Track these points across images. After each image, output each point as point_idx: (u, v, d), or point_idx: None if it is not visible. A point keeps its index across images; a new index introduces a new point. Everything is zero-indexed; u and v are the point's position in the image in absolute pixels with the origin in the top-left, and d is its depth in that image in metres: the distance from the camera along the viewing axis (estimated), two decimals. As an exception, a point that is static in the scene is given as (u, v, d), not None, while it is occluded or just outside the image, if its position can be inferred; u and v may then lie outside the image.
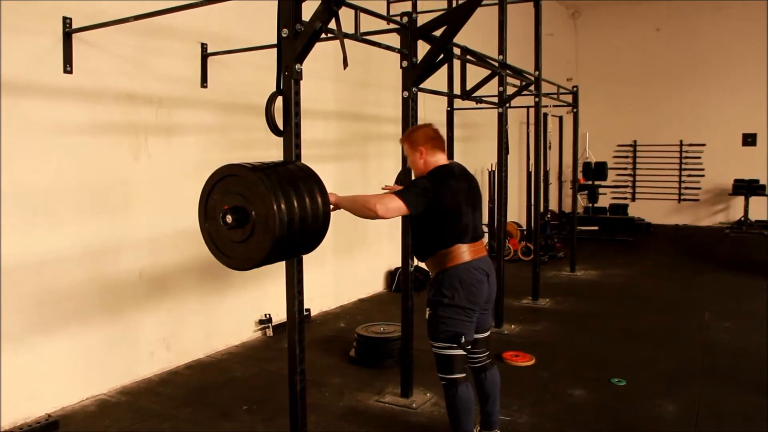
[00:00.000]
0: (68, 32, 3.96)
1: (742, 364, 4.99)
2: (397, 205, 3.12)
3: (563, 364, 5.00)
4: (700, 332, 5.88)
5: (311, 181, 2.79)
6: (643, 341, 5.60)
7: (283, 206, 2.58)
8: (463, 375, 3.30)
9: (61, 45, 3.96)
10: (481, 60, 5.33)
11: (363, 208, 3.12)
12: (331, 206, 3.07)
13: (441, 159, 3.41)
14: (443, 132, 7.04)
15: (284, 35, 2.93)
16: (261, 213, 2.59)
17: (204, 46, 4.97)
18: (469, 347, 3.34)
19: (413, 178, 3.48)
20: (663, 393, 4.35)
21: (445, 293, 3.24)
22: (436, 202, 3.21)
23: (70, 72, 4.01)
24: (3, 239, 3.72)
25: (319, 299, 6.56)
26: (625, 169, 14.83)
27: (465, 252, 3.25)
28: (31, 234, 3.89)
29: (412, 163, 3.45)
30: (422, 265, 3.55)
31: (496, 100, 5.94)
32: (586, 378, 4.65)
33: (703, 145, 13.96)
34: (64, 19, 3.95)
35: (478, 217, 3.39)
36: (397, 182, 4.26)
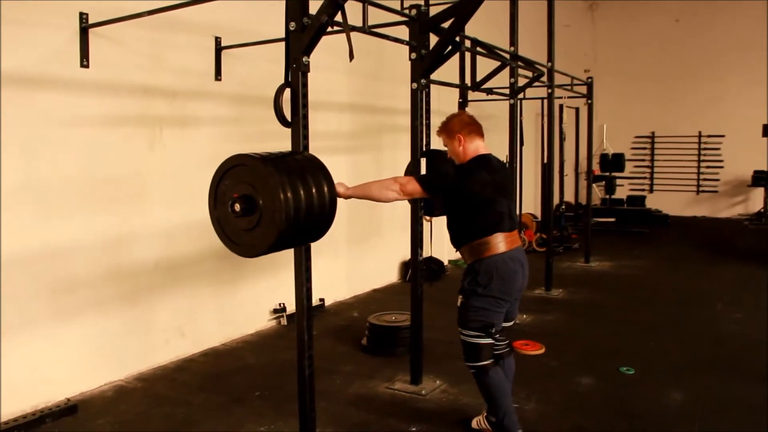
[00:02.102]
0: (84, 27, 4.06)
1: (751, 355, 5.00)
2: (414, 186, 3.24)
3: (573, 354, 5.04)
4: (710, 323, 5.89)
5: (318, 171, 2.86)
6: (653, 332, 5.62)
7: (290, 197, 2.65)
8: (491, 361, 3.35)
9: (77, 40, 4.06)
10: (491, 51, 5.36)
11: (380, 191, 3.25)
12: (342, 197, 3.15)
13: (480, 147, 3.47)
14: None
15: (292, 28, 3.00)
16: (268, 205, 2.66)
17: (218, 40, 5.05)
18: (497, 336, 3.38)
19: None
20: (670, 382, 4.39)
21: (480, 282, 3.27)
22: (462, 190, 3.27)
23: (87, 66, 4.11)
24: (22, 229, 3.84)
25: (333, 289, 6.64)
26: (643, 160, 14.76)
27: (501, 242, 3.27)
28: (49, 224, 4.00)
29: (453, 152, 3.50)
30: (455, 255, 3.55)
31: (507, 91, 5.97)
32: (595, 367, 4.69)
33: (722, 136, 13.86)
34: (81, 14, 4.04)
35: (513, 207, 3.42)
36: (407, 173, 4.31)
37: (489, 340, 3.32)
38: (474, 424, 3.67)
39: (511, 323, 3.56)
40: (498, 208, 3.30)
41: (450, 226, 3.46)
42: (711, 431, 3.70)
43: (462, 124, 3.47)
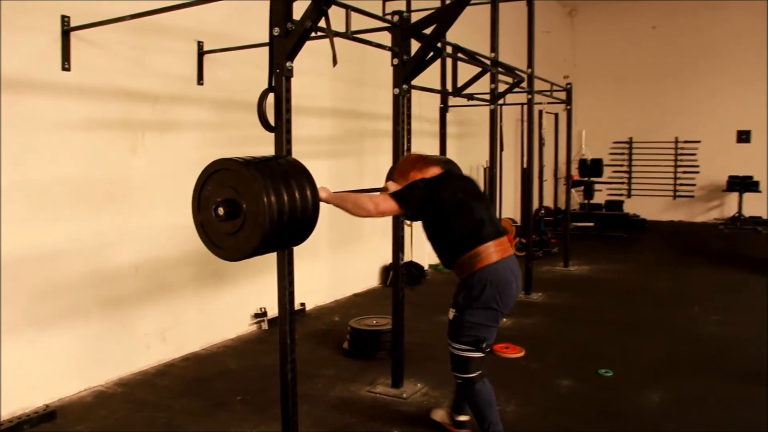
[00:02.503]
0: (66, 30, 4.05)
1: (727, 355, 5.09)
2: (389, 204, 3.17)
3: (552, 356, 5.10)
4: (688, 325, 5.98)
5: (301, 175, 2.88)
6: (632, 334, 5.70)
7: (273, 201, 2.66)
8: (479, 373, 3.32)
9: (59, 43, 4.04)
10: (472, 57, 5.42)
11: (355, 207, 3.17)
12: (323, 201, 3.16)
13: (436, 171, 3.44)
14: (435, 129, 7.14)
15: (276, 34, 3.02)
16: (252, 208, 2.67)
17: (200, 44, 5.05)
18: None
19: None
20: (649, 383, 4.45)
21: (474, 296, 3.20)
22: (435, 198, 3.23)
23: (68, 69, 4.10)
24: (3, 233, 3.81)
25: (314, 294, 6.65)
26: (621, 165, 14.92)
27: (493, 252, 3.19)
28: (30, 228, 3.97)
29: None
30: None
31: (488, 97, 6.03)
32: (575, 369, 4.74)
33: (698, 142, 14.06)
34: (63, 17, 4.03)
35: (492, 212, 3.38)
36: (388, 178, 4.33)
37: (479, 354, 3.29)
38: (434, 415, 3.76)
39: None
40: (476, 215, 3.26)
41: (436, 246, 3.38)
42: (689, 429, 3.76)
43: (411, 163, 3.49)
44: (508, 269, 3.25)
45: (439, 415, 3.75)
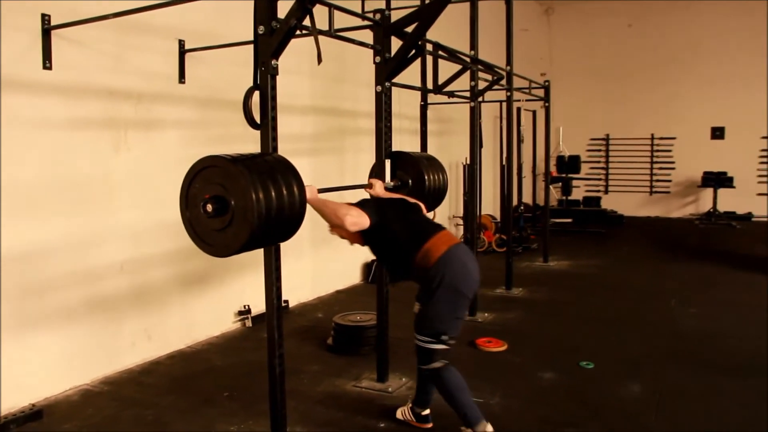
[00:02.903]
0: (47, 29, 4.03)
1: (705, 347, 5.20)
2: (363, 219, 3.32)
3: (534, 350, 5.17)
4: (666, 318, 6.10)
5: (288, 172, 2.91)
6: (611, 327, 5.80)
7: (261, 197, 2.69)
8: (443, 363, 3.41)
9: (40, 42, 4.03)
10: (452, 55, 5.47)
11: (333, 216, 3.29)
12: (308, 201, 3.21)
13: None
14: (415, 126, 7.19)
15: (260, 32, 3.04)
16: (240, 204, 2.70)
17: (182, 43, 5.05)
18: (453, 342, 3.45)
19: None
20: (629, 375, 4.54)
21: (434, 287, 3.30)
22: (383, 212, 3.44)
23: (50, 68, 4.09)
24: (-14, 232, 3.80)
25: (297, 291, 6.67)
26: (598, 162, 15.09)
27: (441, 244, 3.35)
28: (14, 227, 3.95)
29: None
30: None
31: (468, 94, 6.09)
32: (556, 362, 4.82)
33: (674, 138, 14.27)
34: (43, 16, 4.02)
35: (429, 218, 3.63)
36: (371, 175, 4.37)
37: (442, 346, 3.39)
38: (398, 414, 3.81)
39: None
40: (415, 219, 3.52)
41: (389, 259, 3.58)
42: (667, 419, 3.85)
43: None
44: (460, 253, 3.40)
45: (401, 412, 3.81)
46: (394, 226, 3.44)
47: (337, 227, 3.41)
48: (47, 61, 4.07)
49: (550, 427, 3.76)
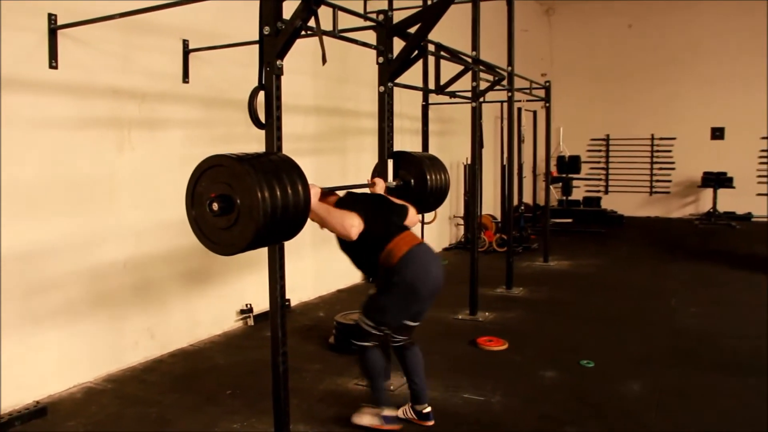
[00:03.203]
0: (53, 29, 4.06)
1: (704, 346, 5.23)
2: (361, 224, 3.39)
3: (535, 349, 5.20)
4: (666, 317, 6.13)
5: (292, 171, 2.94)
6: (612, 326, 5.83)
7: (267, 196, 2.72)
8: (372, 344, 3.61)
9: (46, 41, 4.06)
10: (454, 56, 5.51)
11: (339, 226, 3.36)
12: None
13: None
14: (416, 126, 7.23)
15: (266, 33, 3.07)
16: (246, 203, 2.73)
17: (186, 43, 5.08)
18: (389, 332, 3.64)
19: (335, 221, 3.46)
20: (629, 374, 4.57)
21: (394, 281, 3.44)
22: (366, 216, 3.47)
23: (56, 68, 4.12)
24: (-9, 231, 3.83)
25: (298, 290, 6.70)
26: (598, 162, 15.13)
27: (403, 243, 3.47)
28: (19, 226, 3.98)
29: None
30: None
31: (470, 95, 6.12)
32: (557, 361, 4.85)
33: (674, 138, 14.31)
34: (50, 15, 4.05)
35: (395, 216, 3.67)
36: (374, 175, 4.40)
37: (378, 333, 3.58)
38: (400, 413, 3.83)
39: (417, 323, 3.73)
40: (381, 218, 3.55)
41: (356, 256, 3.65)
42: (667, 418, 3.88)
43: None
44: (422, 254, 3.51)
45: (401, 412, 3.84)
46: (366, 225, 3.49)
47: (339, 235, 3.46)
48: (53, 60, 4.10)
49: (550, 425, 3.79)
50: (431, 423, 3.75)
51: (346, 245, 3.57)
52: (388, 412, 3.67)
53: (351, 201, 3.58)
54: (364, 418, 3.71)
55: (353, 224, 3.35)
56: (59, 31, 4.09)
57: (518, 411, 3.99)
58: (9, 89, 3.89)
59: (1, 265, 3.90)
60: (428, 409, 3.77)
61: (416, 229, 8.07)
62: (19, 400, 4.01)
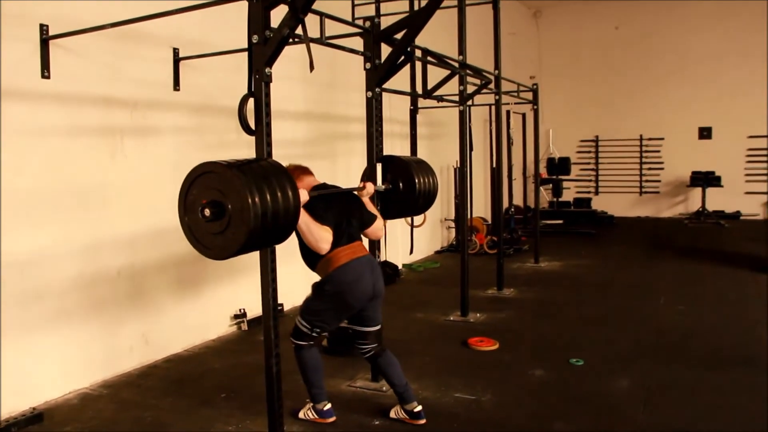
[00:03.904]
0: (45, 39, 4.12)
1: (692, 343, 5.32)
2: (328, 233, 3.56)
3: (525, 348, 5.28)
4: (654, 315, 6.22)
5: (282, 176, 3.00)
6: (601, 325, 5.92)
7: (257, 200, 2.78)
8: (308, 343, 3.82)
9: (38, 51, 4.11)
10: (440, 61, 5.58)
11: (314, 241, 3.50)
12: None
13: (312, 181, 3.89)
14: (406, 131, 7.31)
15: (254, 41, 3.13)
16: (236, 207, 2.79)
17: (176, 51, 5.14)
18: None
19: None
20: (617, 371, 4.65)
21: (326, 290, 3.68)
22: (322, 217, 3.59)
23: (48, 77, 4.17)
24: (-14, 239, 3.88)
25: (291, 295, 6.70)
26: (588, 163, 15.25)
27: (343, 255, 3.66)
28: (13, 234, 4.03)
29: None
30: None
31: (457, 99, 6.20)
32: (547, 359, 4.93)
33: (662, 139, 14.46)
34: (41, 26, 4.10)
35: (354, 224, 3.80)
36: (363, 179, 4.46)
37: (312, 334, 3.79)
38: (392, 413, 3.93)
39: (375, 328, 3.92)
40: (342, 228, 3.68)
41: (303, 250, 3.77)
42: (654, 412, 3.95)
43: (291, 173, 3.67)
44: (359, 266, 3.70)
45: (393, 412, 3.95)
46: None
47: (310, 247, 3.58)
48: (45, 70, 4.16)
49: (539, 422, 3.86)
50: (423, 421, 3.82)
51: (298, 236, 3.65)
52: (321, 406, 3.89)
53: (324, 206, 3.64)
54: (305, 413, 3.94)
55: (327, 242, 3.54)
56: (51, 41, 4.15)
57: (508, 409, 4.06)
58: (3, 99, 3.94)
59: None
60: (419, 408, 3.84)
61: (404, 232, 8.15)
62: (16, 407, 4.06)
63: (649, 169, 14.70)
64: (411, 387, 3.92)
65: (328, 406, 3.91)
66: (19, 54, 4.03)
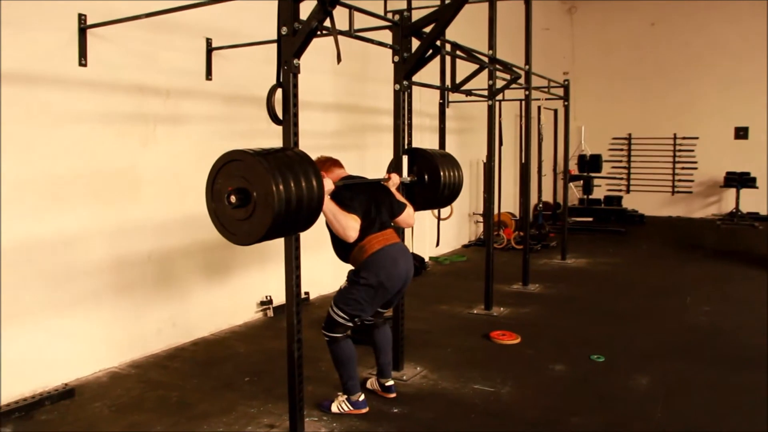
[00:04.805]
0: (83, 28, 4.25)
1: (715, 342, 5.29)
2: (356, 222, 3.64)
3: (547, 343, 5.29)
4: (680, 315, 6.18)
5: (307, 165, 3.07)
6: (624, 322, 5.90)
7: (281, 186, 2.86)
8: (342, 335, 3.85)
9: (76, 40, 4.25)
10: (469, 55, 5.60)
11: (341, 229, 3.59)
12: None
13: (342, 173, 3.97)
14: (436, 124, 7.33)
15: (283, 33, 3.21)
16: (261, 193, 2.87)
17: (209, 41, 5.25)
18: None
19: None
20: (638, 368, 4.65)
21: (363, 276, 3.74)
22: (354, 209, 3.68)
23: (85, 65, 4.30)
24: (22, 221, 4.02)
25: (317, 284, 6.84)
26: (620, 161, 15.11)
27: (376, 242, 3.74)
28: (48, 216, 4.18)
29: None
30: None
31: (486, 93, 6.22)
32: (568, 355, 4.95)
33: (696, 138, 14.26)
34: (80, 15, 4.23)
35: (384, 212, 3.87)
36: (389, 170, 4.52)
37: (349, 323, 3.83)
38: (368, 384, 4.23)
39: (387, 310, 4.12)
40: (371, 215, 3.76)
41: (334, 242, 3.88)
42: (672, 411, 3.95)
43: (320, 165, 3.86)
44: (393, 251, 3.79)
45: (370, 383, 4.22)
46: None
47: (338, 235, 3.68)
48: (83, 58, 4.29)
49: (555, 415, 3.89)
50: (393, 395, 4.11)
51: (330, 230, 3.77)
52: (356, 397, 3.91)
53: (351, 195, 3.73)
54: (338, 406, 3.93)
55: (355, 230, 3.61)
56: (88, 30, 4.28)
57: (526, 401, 4.09)
58: (41, 86, 4.09)
59: (31, 252, 4.09)
60: (391, 382, 4.14)
61: (431, 225, 8.19)
62: (49, 382, 4.21)
63: (683, 168, 14.52)
64: (391, 365, 4.22)
65: (362, 396, 3.93)
66: (58, 42, 4.17)
